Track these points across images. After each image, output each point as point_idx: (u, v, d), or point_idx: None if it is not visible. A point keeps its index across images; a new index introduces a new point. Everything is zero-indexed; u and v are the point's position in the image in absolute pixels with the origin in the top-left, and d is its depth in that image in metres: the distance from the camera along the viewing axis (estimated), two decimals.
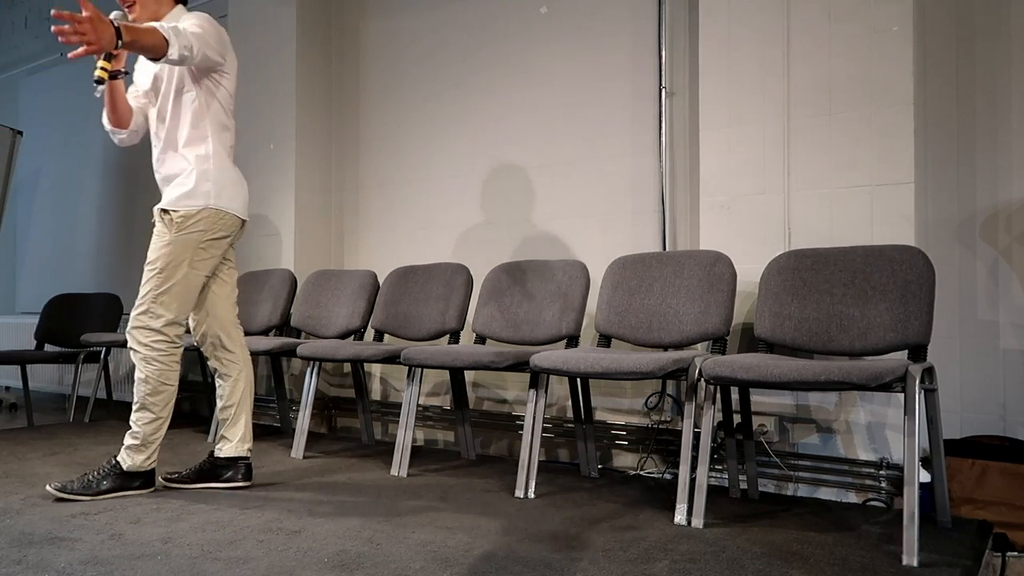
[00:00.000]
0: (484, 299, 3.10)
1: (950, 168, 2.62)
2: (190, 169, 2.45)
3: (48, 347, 4.52)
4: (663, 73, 3.04)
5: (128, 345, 2.46)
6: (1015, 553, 2.20)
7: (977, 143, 2.59)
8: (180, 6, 2.54)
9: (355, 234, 4.09)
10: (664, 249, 3.01)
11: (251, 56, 4.16)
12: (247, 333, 3.76)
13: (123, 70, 2.48)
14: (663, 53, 3.04)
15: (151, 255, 2.44)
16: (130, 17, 2.44)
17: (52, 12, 2.06)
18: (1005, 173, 2.54)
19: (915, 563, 1.79)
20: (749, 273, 2.61)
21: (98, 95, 2.39)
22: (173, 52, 2.24)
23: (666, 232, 3.01)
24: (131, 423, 2.43)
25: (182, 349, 2.51)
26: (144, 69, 2.57)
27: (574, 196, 3.28)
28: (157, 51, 2.23)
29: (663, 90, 3.04)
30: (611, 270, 2.82)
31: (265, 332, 3.72)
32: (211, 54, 2.39)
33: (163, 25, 2.26)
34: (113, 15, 2.34)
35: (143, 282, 2.44)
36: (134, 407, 2.44)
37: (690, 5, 2.98)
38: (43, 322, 4.62)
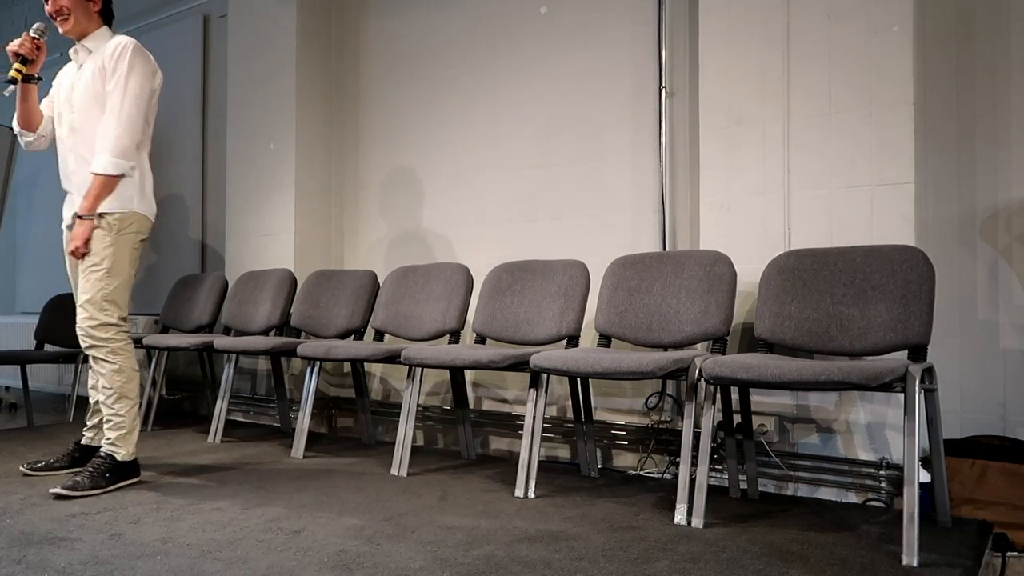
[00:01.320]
0: (484, 299, 3.10)
1: (950, 168, 2.63)
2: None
3: (48, 347, 4.52)
4: (663, 73, 3.04)
5: (87, 345, 2.56)
6: (1015, 553, 2.20)
7: (977, 143, 2.59)
8: (106, 27, 2.71)
9: (355, 234, 4.09)
10: (664, 249, 3.00)
11: (251, 56, 4.16)
12: (247, 333, 3.77)
13: (36, 75, 2.65)
14: (663, 53, 3.04)
15: (95, 257, 2.54)
16: (60, 30, 2.64)
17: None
18: (1005, 173, 2.54)
19: (915, 563, 1.79)
20: (749, 273, 2.61)
21: (7, 94, 2.61)
22: (124, 169, 2.56)
23: (666, 232, 3.01)
24: (110, 416, 2.55)
25: None
26: (63, 80, 2.72)
27: (574, 196, 3.28)
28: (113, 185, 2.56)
29: (663, 90, 3.04)
30: (611, 270, 2.82)
31: (265, 332, 3.71)
32: (143, 115, 2.61)
33: (104, 166, 2.51)
34: (34, 27, 2.57)
35: (86, 283, 2.55)
36: (110, 400, 2.55)
37: (690, 5, 2.98)
38: (43, 322, 4.61)
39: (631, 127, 3.14)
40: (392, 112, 3.95)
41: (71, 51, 2.72)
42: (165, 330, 4.27)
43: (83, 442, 2.78)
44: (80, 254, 2.53)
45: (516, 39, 3.49)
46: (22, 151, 5.18)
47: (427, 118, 3.80)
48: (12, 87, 2.58)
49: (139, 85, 2.57)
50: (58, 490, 2.40)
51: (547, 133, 3.38)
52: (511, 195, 3.47)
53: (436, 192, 3.75)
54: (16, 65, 2.53)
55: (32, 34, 2.57)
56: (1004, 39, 2.55)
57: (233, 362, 3.51)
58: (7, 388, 5.68)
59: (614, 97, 3.19)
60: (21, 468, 2.72)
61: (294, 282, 3.76)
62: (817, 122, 2.57)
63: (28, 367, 4.27)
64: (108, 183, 2.53)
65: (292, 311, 3.70)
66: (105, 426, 2.56)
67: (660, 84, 3.05)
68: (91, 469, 2.49)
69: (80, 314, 2.55)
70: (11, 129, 4.86)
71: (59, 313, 4.64)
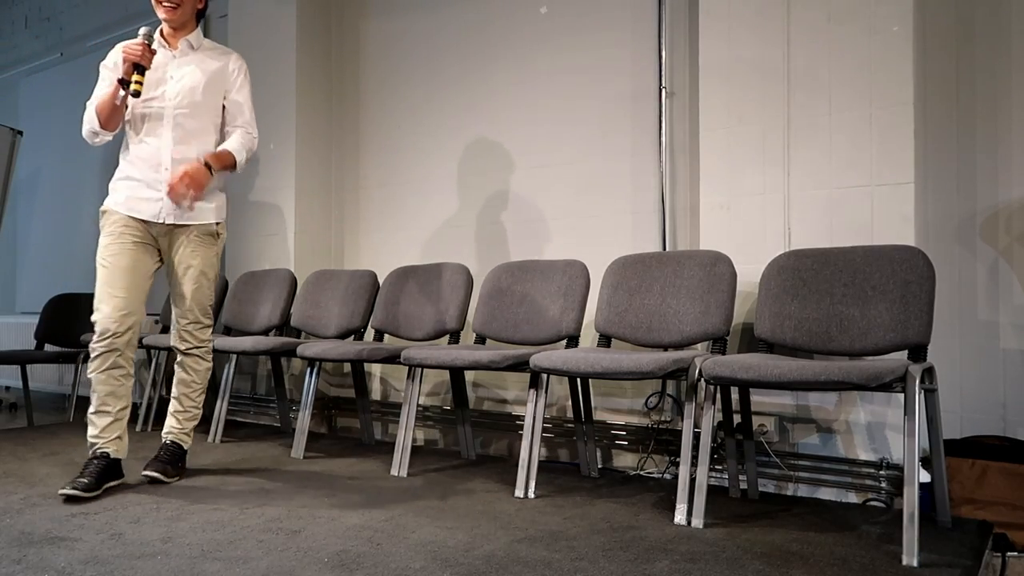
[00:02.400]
0: (484, 299, 3.10)
1: (950, 168, 2.62)
2: (215, 185, 2.71)
3: (48, 347, 4.52)
4: (663, 73, 3.04)
5: (190, 347, 2.73)
6: (1015, 553, 2.20)
7: (977, 143, 2.59)
8: (199, 29, 2.77)
9: (355, 234, 4.09)
10: (664, 249, 3.00)
11: (251, 56, 4.15)
12: (247, 333, 3.77)
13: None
14: (663, 53, 3.04)
15: (205, 267, 2.69)
16: (164, 15, 2.63)
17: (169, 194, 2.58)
18: (1005, 173, 2.54)
19: (915, 563, 1.79)
20: (749, 273, 2.61)
21: (118, 103, 2.56)
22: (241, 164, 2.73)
23: (666, 232, 3.01)
24: (191, 408, 2.75)
25: None
26: (164, 80, 2.65)
27: (574, 196, 3.28)
28: (232, 167, 2.71)
29: (663, 90, 3.04)
30: (611, 270, 2.82)
31: (265, 332, 3.71)
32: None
33: (241, 141, 2.70)
34: (144, 34, 2.50)
35: (197, 289, 2.69)
36: (195, 393, 2.76)
37: (690, 5, 2.98)
38: (43, 322, 4.61)
39: (631, 127, 3.14)
40: (392, 112, 3.95)
41: (159, 35, 2.64)
42: (165, 330, 4.27)
43: (112, 455, 2.51)
44: (189, 195, 2.58)
45: (516, 39, 3.49)
46: (22, 151, 5.18)
47: (427, 118, 3.80)
48: (123, 94, 2.54)
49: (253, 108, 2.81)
50: (151, 474, 2.56)
51: (547, 133, 3.38)
52: (511, 195, 3.47)
53: (436, 192, 3.75)
54: (136, 76, 2.48)
55: (145, 41, 2.50)
56: (1004, 39, 2.55)
57: (233, 362, 3.51)
58: (7, 388, 5.68)
59: (614, 97, 3.19)
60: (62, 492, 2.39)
61: (294, 282, 3.76)
62: (817, 122, 2.57)
63: (28, 367, 4.27)
64: (230, 168, 2.68)
65: (292, 311, 3.70)
66: (182, 417, 2.74)
67: (660, 84, 3.05)
68: (168, 457, 2.67)
69: (187, 317, 2.70)
70: (11, 129, 4.88)
71: (59, 313, 4.64)
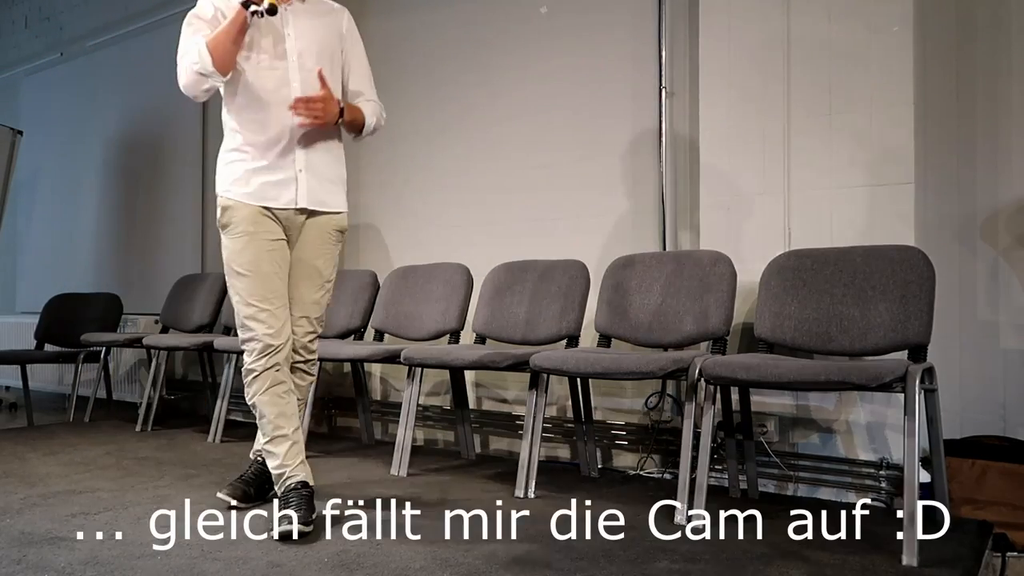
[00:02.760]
0: (484, 299, 3.10)
1: (950, 168, 2.62)
2: (344, 173, 2.40)
3: (48, 347, 4.52)
4: (663, 73, 3.04)
5: (302, 360, 2.33)
6: (1015, 553, 2.20)
7: (977, 143, 2.59)
8: None
9: (355, 234, 4.09)
10: (664, 249, 3.00)
11: None
12: None
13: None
14: (663, 53, 3.04)
15: (329, 272, 2.32)
16: None
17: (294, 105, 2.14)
18: (1005, 173, 2.54)
19: (915, 563, 1.79)
20: (749, 273, 2.61)
21: (249, 24, 2.09)
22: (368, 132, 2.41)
23: (666, 232, 3.01)
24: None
25: None
26: (282, 36, 2.20)
27: (574, 196, 3.28)
28: (358, 130, 2.37)
29: (663, 90, 3.03)
30: (611, 270, 2.82)
31: None
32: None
33: (375, 109, 2.42)
34: None
35: (323, 298, 2.33)
36: (301, 407, 2.34)
37: (690, 5, 2.98)
38: (43, 322, 4.61)
39: (631, 127, 3.14)
40: (392, 112, 3.93)
41: None
42: (165, 330, 4.27)
43: (310, 483, 2.23)
44: (311, 117, 2.14)
45: (516, 39, 3.49)
46: (22, 151, 5.17)
47: (427, 118, 3.79)
48: (256, 17, 2.05)
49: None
50: (224, 497, 2.28)
51: (547, 133, 3.37)
52: (511, 195, 3.47)
53: (436, 192, 3.74)
54: None
55: None
56: (1004, 39, 2.55)
57: (233, 362, 3.51)
58: (7, 388, 5.67)
59: (614, 97, 3.19)
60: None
61: None
62: (817, 122, 2.57)
63: (28, 367, 4.26)
64: (353, 131, 2.37)
65: None
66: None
67: (660, 84, 3.05)
68: (252, 479, 2.37)
69: (306, 327, 2.30)
70: (11, 129, 4.88)
71: (59, 313, 4.64)
